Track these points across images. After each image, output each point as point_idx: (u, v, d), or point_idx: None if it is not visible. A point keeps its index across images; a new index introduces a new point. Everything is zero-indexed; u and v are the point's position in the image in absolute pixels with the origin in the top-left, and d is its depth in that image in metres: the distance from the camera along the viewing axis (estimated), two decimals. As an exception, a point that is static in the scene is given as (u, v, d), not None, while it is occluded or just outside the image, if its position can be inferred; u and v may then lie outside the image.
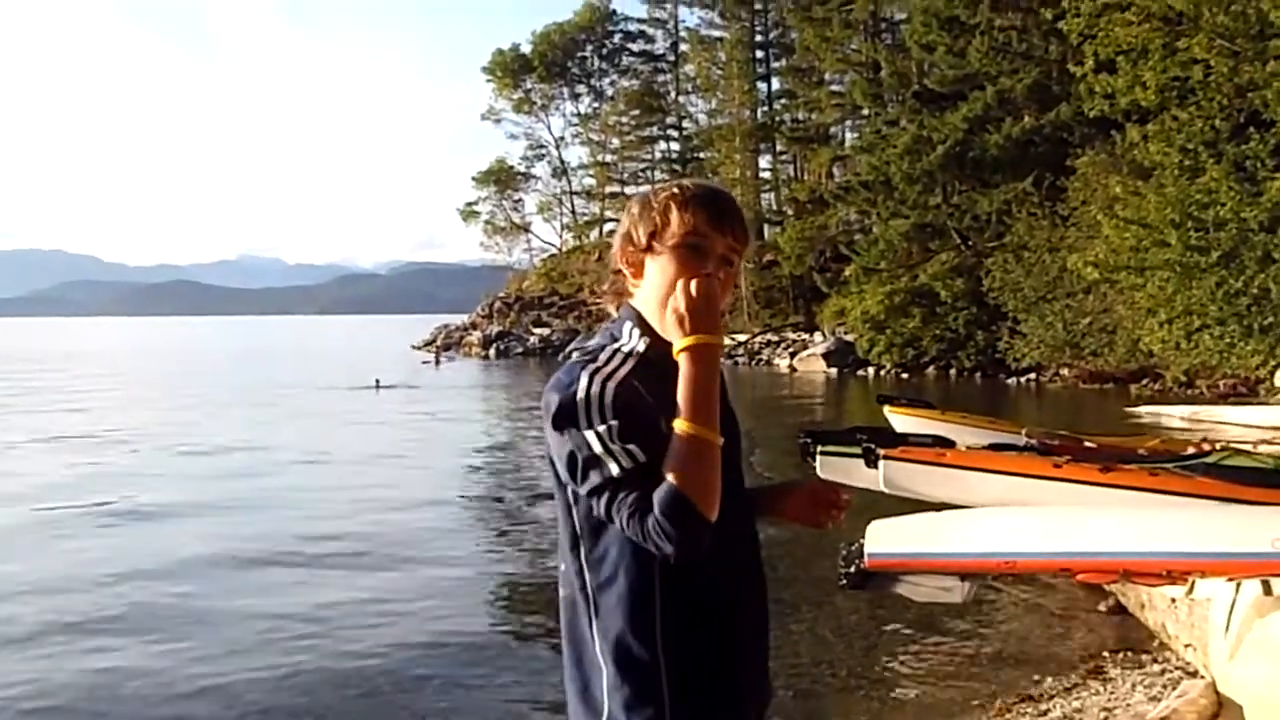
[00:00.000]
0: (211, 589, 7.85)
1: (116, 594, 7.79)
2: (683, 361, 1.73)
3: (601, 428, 1.70)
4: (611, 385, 1.74)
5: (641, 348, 1.83)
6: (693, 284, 1.76)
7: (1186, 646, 5.43)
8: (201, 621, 7.12)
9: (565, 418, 1.74)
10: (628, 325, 1.87)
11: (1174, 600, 5.52)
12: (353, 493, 12.03)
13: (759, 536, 1.97)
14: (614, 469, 1.70)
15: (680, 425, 1.69)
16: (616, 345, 1.85)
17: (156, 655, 6.45)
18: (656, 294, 1.82)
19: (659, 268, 1.83)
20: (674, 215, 1.82)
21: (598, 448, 1.70)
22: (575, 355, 1.86)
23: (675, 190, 1.86)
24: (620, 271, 1.91)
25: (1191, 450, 7.03)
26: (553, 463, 1.81)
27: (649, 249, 1.84)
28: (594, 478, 1.72)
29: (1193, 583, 4.93)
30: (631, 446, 1.69)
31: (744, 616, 1.87)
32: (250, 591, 7.82)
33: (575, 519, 1.81)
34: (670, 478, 1.66)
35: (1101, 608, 6.64)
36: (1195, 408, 18.14)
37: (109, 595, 7.76)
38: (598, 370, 1.77)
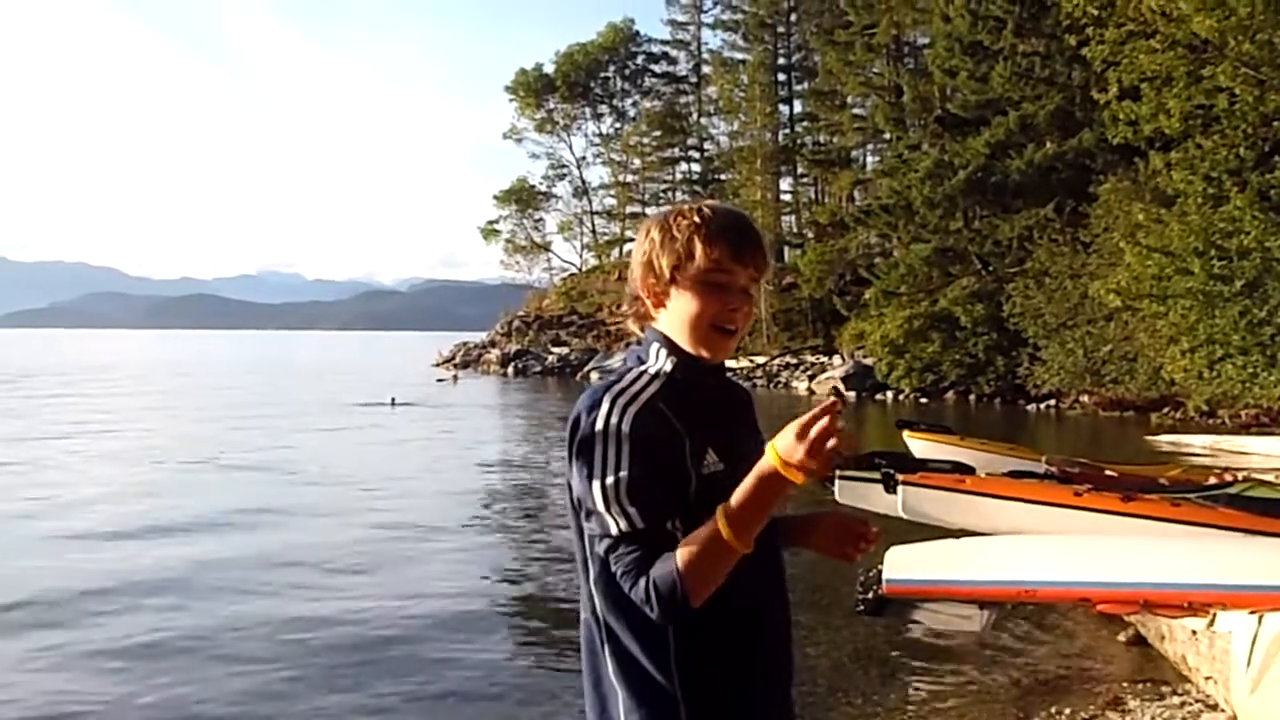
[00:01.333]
0: (206, 615, 7.75)
1: (150, 608, 7.82)
2: (765, 469, 1.64)
3: (610, 480, 1.69)
4: (633, 412, 1.73)
5: (668, 368, 1.83)
6: (823, 423, 1.60)
7: (1207, 679, 5.37)
8: (207, 639, 7.13)
9: (582, 453, 1.74)
10: (654, 346, 1.87)
11: (1195, 632, 5.46)
12: (359, 514, 11.82)
13: (783, 562, 1.96)
14: (613, 528, 1.70)
15: (721, 523, 1.64)
16: (643, 367, 1.84)
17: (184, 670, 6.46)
18: (682, 324, 1.83)
19: (683, 301, 1.83)
20: (698, 249, 1.81)
21: (600, 504, 1.70)
22: (595, 376, 1.86)
23: (697, 220, 1.83)
24: (639, 297, 1.90)
25: (1214, 480, 6.98)
26: (570, 483, 1.81)
27: (672, 280, 1.83)
28: (595, 526, 1.73)
29: (1214, 615, 4.88)
30: (632, 510, 1.68)
31: (764, 640, 1.85)
32: (250, 618, 7.76)
33: (586, 545, 1.81)
34: (680, 560, 1.64)
35: (1121, 639, 6.57)
36: (1217, 437, 17.99)
37: (143, 612, 7.79)
38: (621, 392, 1.76)
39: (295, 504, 12.52)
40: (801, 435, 1.60)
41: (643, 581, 1.66)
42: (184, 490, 13.40)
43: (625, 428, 1.71)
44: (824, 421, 1.60)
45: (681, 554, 1.65)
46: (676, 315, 1.84)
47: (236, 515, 11.40)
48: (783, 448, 1.61)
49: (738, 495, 1.65)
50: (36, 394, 32.75)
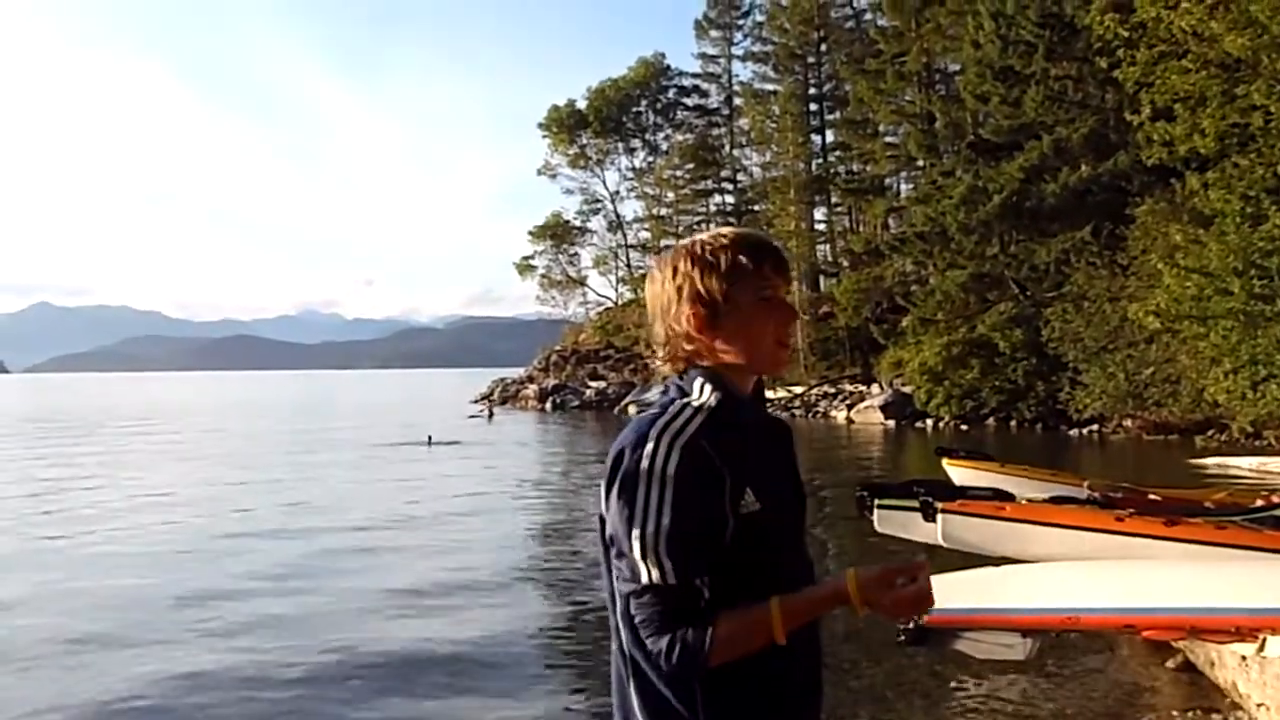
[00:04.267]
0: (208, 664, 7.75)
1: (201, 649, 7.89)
2: (838, 591, 1.73)
3: (650, 528, 1.69)
4: (679, 448, 1.71)
5: (713, 403, 1.79)
6: (923, 586, 1.72)
7: (1259, 706, 5.27)
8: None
9: (623, 492, 1.73)
10: (698, 381, 1.83)
11: (1244, 658, 5.36)
12: (386, 561, 11.58)
13: None
14: (644, 577, 1.70)
15: (776, 616, 1.69)
16: (686, 400, 1.81)
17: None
18: (745, 345, 1.81)
19: (744, 320, 1.81)
20: (747, 267, 1.81)
21: (636, 550, 1.70)
22: (633, 409, 1.85)
23: (727, 242, 1.83)
24: (686, 335, 1.84)
25: (1259, 503, 6.88)
26: (602, 517, 1.79)
27: (727, 301, 1.81)
28: (625, 569, 1.72)
29: (1264, 640, 4.80)
30: (668, 564, 1.68)
31: (794, 676, 1.82)
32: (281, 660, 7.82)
33: (614, 579, 1.80)
34: (720, 631, 1.67)
35: (1170, 665, 6.46)
36: (1263, 459, 17.73)
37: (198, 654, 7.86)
38: (666, 427, 1.74)
39: (317, 551, 12.10)
40: (889, 583, 1.71)
41: (666, 638, 1.67)
42: (210, 542, 12.97)
43: (671, 470, 1.70)
44: (922, 584, 1.71)
45: (723, 628, 1.67)
46: (738, 338, 1.82)
47: (254, 574, 10.80)
48: (865, 583, 1.71)
49: (801, 601, 1.72)
50: (67, 439, 33.16)
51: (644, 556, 1.69)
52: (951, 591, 4.85)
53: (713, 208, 63.64)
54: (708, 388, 1.82)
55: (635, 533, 1.69)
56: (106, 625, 8.58)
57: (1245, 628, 4.43)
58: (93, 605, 9.33)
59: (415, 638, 8.12)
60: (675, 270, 1.85)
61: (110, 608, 9.21)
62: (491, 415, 43.33)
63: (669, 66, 65.40)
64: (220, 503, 16.31)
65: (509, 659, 7.62)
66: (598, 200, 66.37)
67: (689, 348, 1.85)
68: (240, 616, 8.87)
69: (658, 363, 1.94)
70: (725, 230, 1.87)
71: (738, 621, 1.67)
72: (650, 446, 1.72)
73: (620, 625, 1.79)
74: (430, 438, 27.58)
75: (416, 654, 7.66)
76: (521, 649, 7.95)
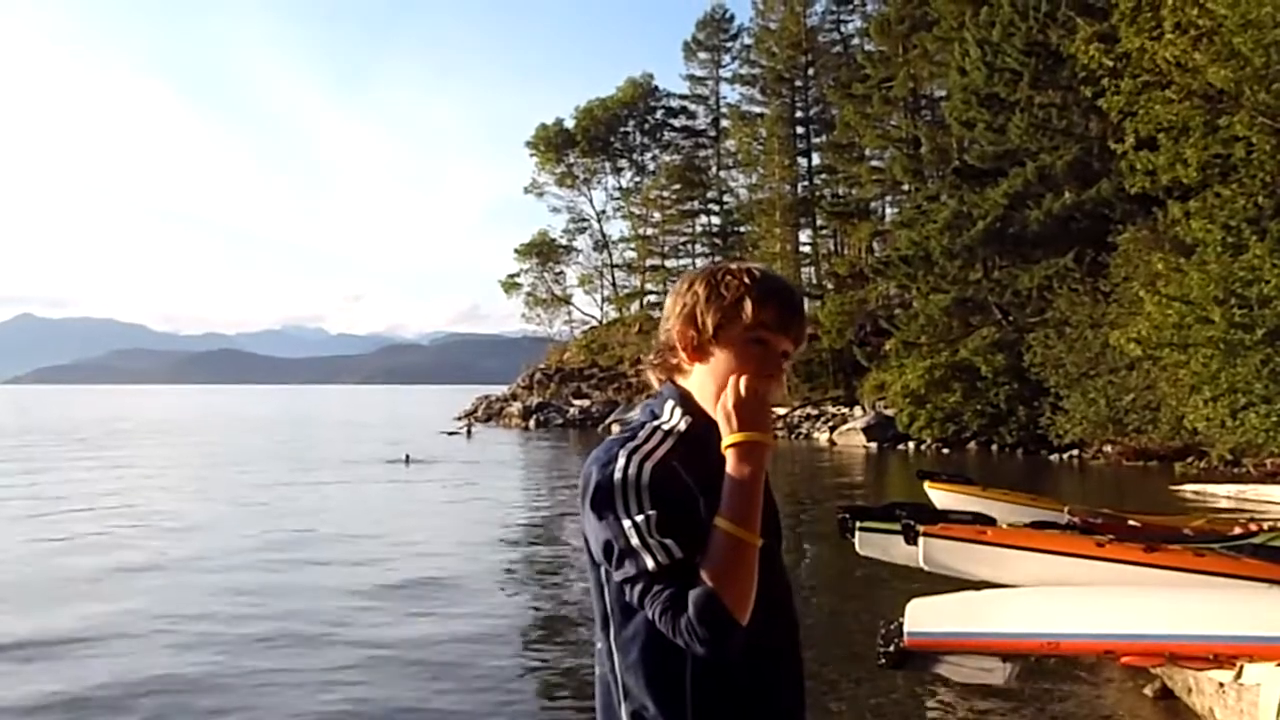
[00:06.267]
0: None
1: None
2: (730, 458, 1.72)
3: (640, 518, 1.68)
4: (649, 466, 1.72)
5: (683, 427, 1.81)
6: (743, 382, 1.75)
7: (1236, 733, 5.30)
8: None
9: (603, 502, 1.72)
10: (669, 404, 1.85)
11: (1222, 685, 5.39)
12: (349, 581, 11.19)
13: (797, 621, 1.95)
14: (649, 563, 1.67)
15: (721, 523, 1.67)
16: (657, 423, 1.83)
17: None
18: (716, 383, 1.81)
19: (723, 359, 1.81)
20: (747, 310, 1.79)
21: (635, 540, 1.68)
22: (615, 429, 1.85)
23: (748, 281, 1.82)
24: (674, 348, 1.87)
25: (1238, 530, 6.93)
26: (587, 540, 1.79)
27: (714, 337, 1.82)
28: (629, 568, 1.69)
29: (1241, 667, 4.83)
30: (669, 541, 1.67)
31: (778, 702, 1.83)
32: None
33: (607, 599, 1.79)
34: (706, 578, 1.64)
35: (1148, 692, 6.49)
36: (1241, 486, 17.85)
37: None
38: (636, 449, 1.75)
39: (283, 574, 11.68)
40: (730, 408, 1.75)
41: (684, 616, 1.63)
42: (168, 559, 12.69)
43: (644, 479, 1.71)
44: (743, 383, 1.75)
45: (706, 575, 1.64)
46: (713, 372, 1.82)
47: (218, 593, 10.44)
48: (725, 427, 1.75)
49: (724, 493, 1.70)
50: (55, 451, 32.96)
51: (643, 543, 1.67)
52: (932, 615, 4.87)
53: (698, 229, 63.87)
54: (678, 411, 1.83)
55: (627, 523, 1.68)
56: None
57: (1223, 655, 4.47)
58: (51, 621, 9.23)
59: (378, 651, 8.09)
60: (691, 288, 1.86)
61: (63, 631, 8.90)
62: (470, 433, 43.16)
63: (657, 87, 65.75)
64: (182, 517, 16.16)
65: (475, 670, 7.60)
66: (584, 219, 66.57)
67: (674, 361, 1.88)
68: (201, 629, 8.84)
69: (645, 365, 1.98)
70: (757, 268, 1.86)
71: (707, 556, 1.66)
72: (621, 462, 1.73)
73: (614, 648, 1.78)
74: (408, 456, 27.33)
75: (378, 666, 7.64)
76: (489, 661, 7.93)
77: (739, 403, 1.74)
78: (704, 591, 1.63)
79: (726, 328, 1.81)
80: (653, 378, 1.94)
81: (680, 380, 1.88)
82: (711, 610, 1.63)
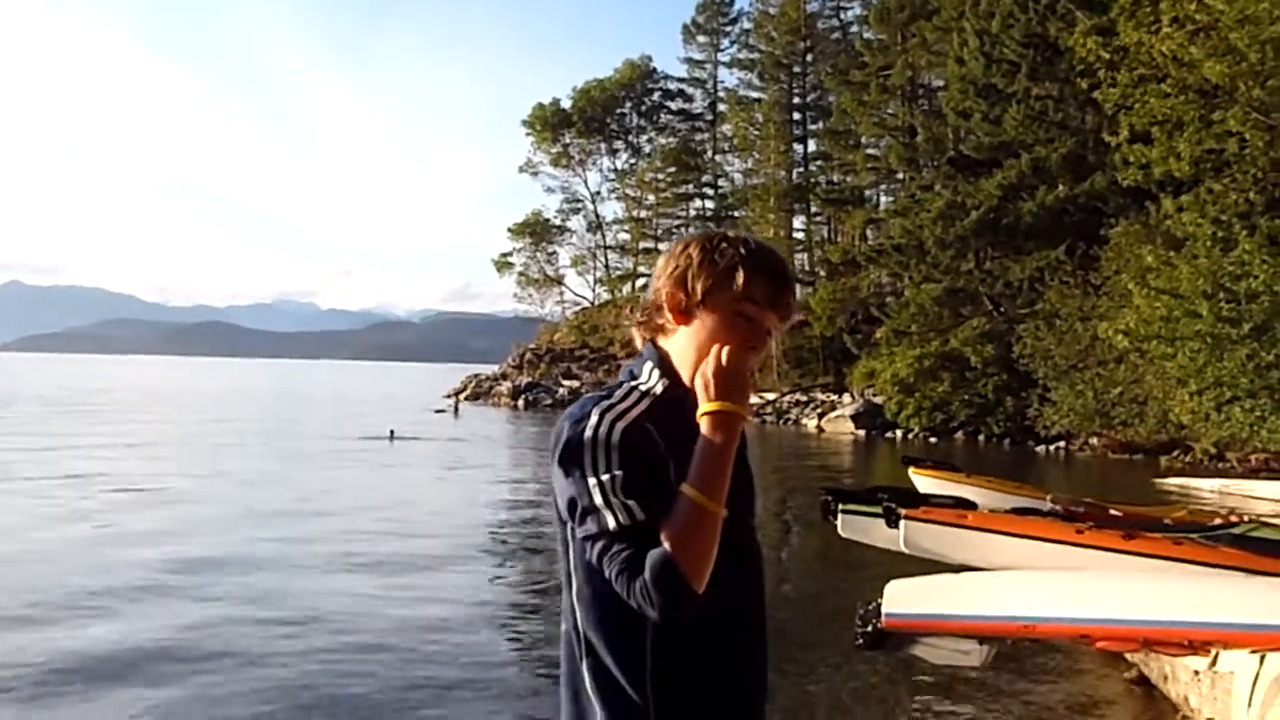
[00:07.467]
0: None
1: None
2: (703, 426, 1.72)
3: (605, 476, 1.68)
4: (620, 426, 1.72)
5: (660, 390, 1.81)
6: (725, 352, 1.75)
7: (1208, 720, 5.34)
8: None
9: (571, 458, 1.72)
10: (648, 365, 1.85)
11: (1197, 673, 5.44)
12: (319, 560, 10.96)
13: (764, 588, 1.93)
14: (611, 522, 1.67)
15: (687, 490, 1.67)
16: (635, 384, 1.83)
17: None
18: (697, 349, 1.80)
19: (707, 326, 1.81)
20: (738, 280, 1.79)
21: (598, 498, 1.68)
22: (592, 390, 1.84)
23: (743, 251, 1.81)
24: (660, 308, 1.86)
25: (1218, 522, 6.95)
26: (555, 496, 1.79)
27: (702, 302, 1.81)
28: (590, 526, 1.69)
29: (1216, 655, 4.86)
30: (631, 502, 1.66)
31: (742, 667, 1.84)
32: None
33: (570, 556, 1.79)
34: (666, 543, 1.63)
35: (1125, 679, 6.54)
36: (1225, 481, 17.93)
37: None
38: (610, 408, 1.75)
39: (248, 550, 11.32)
40: (709, 376, 1.73)
41: (639, 579, 1.63)
42: (144, 524, 12.74)
43: (615, 438, 1.70)
44: (724, 353, 1.75)
45: (666, 540, 1.64)
46: (695, 338, 1.82)
47: (183, 568, 10.19)
48: (702, 395, 1.73)
49: (694, 460, 1.69)
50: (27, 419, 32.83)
51: (606, 502, 1.67)
52: (910, 596, 4.88)
53: (693, 212, 63.86)
54: (656, 373, 1.84)
55: (592, 481, 1.68)
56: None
57: (1197, 641, 4.48)
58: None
59: (352, 627, 8.09)
60: (685, 251, 1.85)
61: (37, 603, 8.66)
62: (458, 411, 43.17)
63: (655, 69, 65.64)
64: (164, 491, 15.97)
65: (445, 644, 7.62)
66: (578, 200, 66.59)
67: (659, 321, 1.87)
68: (166, 603, 8.74)
69: (627, 322, 1.97)
70: (753, 240, 1.85)
71: (669, 521, 1.65)
72: (594, 420, 1.73)
73: (576, 604, 1.79)
74: (392, 432, 27.30)
75: (347, 647, 7.63)
76: (461, 636, 7.94)
77: (718, 371, 1.74)
78: (661, 555, 1.63)
79: (715, 295, 1.80)
80: (636, 336, 1.94)
81: (662, 341, 1.88)
82: (667, 575, 1.62)
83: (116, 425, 30.64)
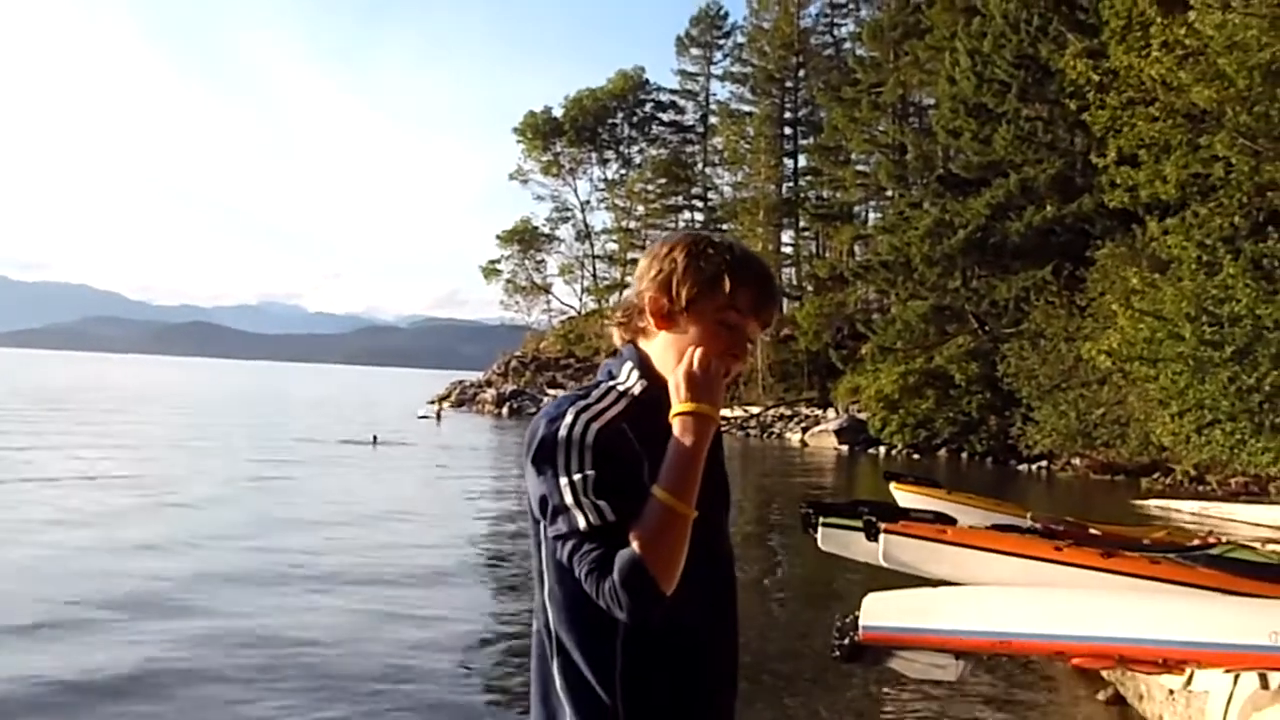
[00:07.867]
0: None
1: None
2: (675, 427, 1.72)
3: (577, 476, 1.68)
4: (595, 426, 1.71)
5: (637, 390, 1.81)
6: (699, 354, 1.75)
7: (1183, 739, 5.35)
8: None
9: (544, 457, 1.72)
10: (627, 366, 1.85)
11: (1172, 692, 5.45)
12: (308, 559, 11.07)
13: (735, 590, 1.93)
14: (581, 522, 1.66)
15: (658, 492, 1.67)
16: (612, 384, 1.82)
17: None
18: (678, 354, 1.79)
19: (690, 332, 1.80)
20: (724, 287, 1.78)
21: (569, 498, 1.67)
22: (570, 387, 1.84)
23: (729, 257, 1.80)
24: (642, 312, 1.85)
25: (1196, 543, 6.97)
26: (529, 495, 1.78)
27: (686, 310, 1.80)
28: (561, 525, 1.69)
29: (1190, 674, 4.88)
30: (602, 503, 1.66)
31: (712, 668, 1.83)
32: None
33: (543, 555, 1.79)
34: (635, 544, 1.63)
35: (1100, 697, 6.55)
36: (1204, 503, 18.02)
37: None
38: (586, 408, 1.75)
39: (222, 561, 10.87)
40: (681, 379, 1.74)
41: (608, 579, 1.63)
42: (116, 527, 12.50)
43: (589, 439, 1.70)
44: (698, 356, 1.75)
45: (635, 542, 1.63)
46: (677, 343, 1.81)
47: (152, 578, 9.78)
48: (674, 397, 1.74)
49: (665, 462, 1.69)
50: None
51: (577, 501, 1.67)
52: (887, 610, 4.89)
53: (682, 224, 63.82)
54: (635, 374, 1.83)
55: (564, 481, 1.68)
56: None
57: (1172, 660, 4.50)
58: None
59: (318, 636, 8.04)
60: (669, 254, 1.84)
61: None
62: (440, 418, 43.06)
63: (647, 81, 65.65)
64: (145, 494, 15.70)
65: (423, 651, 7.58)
66: (568, 209, 66.44)
67: (640, 324, 1.87)
68: (145, 614, 8.44)
69: (609, 320, 1.96)
70: (738, 246, 1.85)
71: (639, 522, 1.65)
72: (569, 420, 1.72)
73: (547, 603, 1.79)
74: (375, 437, 27.26)
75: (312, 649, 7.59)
76: (437, 639, 7.90)
77: (690, 373, 1.74)
78: (630, 556, 1.63)
79: (700, 302, 1.79)
80: (616, 335, 1.93)
81: (643, 343, 1.87)
82: (636, 576, 1.62)
83: (98, 425, 30.37)
